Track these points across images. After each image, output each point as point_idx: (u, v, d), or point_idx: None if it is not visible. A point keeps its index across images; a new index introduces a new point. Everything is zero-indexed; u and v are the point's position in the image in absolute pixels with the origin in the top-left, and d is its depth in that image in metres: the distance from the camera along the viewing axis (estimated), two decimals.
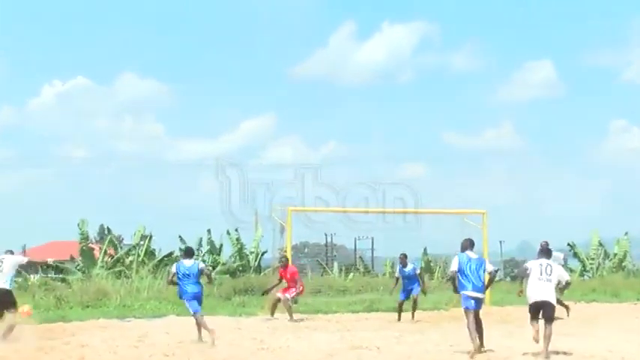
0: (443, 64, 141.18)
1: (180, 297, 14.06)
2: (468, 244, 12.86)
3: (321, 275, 34.56)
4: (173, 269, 14.16)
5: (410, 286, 18.73)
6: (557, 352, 12.05)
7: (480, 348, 12.16)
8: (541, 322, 11.76)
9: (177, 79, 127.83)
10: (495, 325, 16.65)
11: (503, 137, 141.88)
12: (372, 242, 54.37)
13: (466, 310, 12.35)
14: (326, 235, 56.31)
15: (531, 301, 11.97)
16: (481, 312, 12.57)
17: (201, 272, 13.92)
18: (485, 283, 12.61)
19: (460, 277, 12.44)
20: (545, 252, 12.76)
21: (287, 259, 19.73)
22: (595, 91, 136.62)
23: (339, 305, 21.79)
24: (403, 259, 19.04)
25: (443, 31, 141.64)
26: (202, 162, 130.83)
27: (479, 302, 12.51)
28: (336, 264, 38.99)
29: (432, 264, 35.23)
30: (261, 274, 29.68)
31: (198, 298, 13.91)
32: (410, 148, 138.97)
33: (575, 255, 35.09)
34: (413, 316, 18.55)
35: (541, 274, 12.00)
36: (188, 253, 14.64)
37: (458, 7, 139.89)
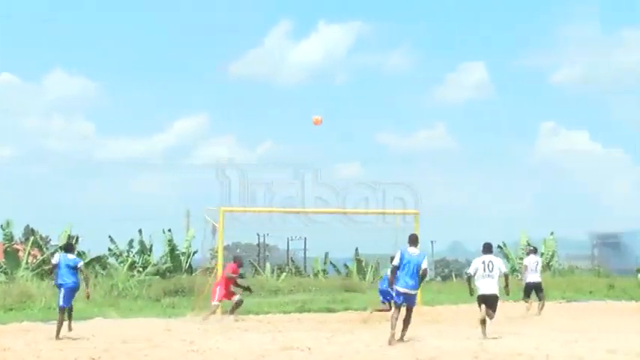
0: (378, 64, 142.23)
1: (58, 286, 14.56)
2: (409, 240, 13.76)
3: (253, 276, 34.35)
4: (55, 260, 14.76)
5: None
6: (485, 351, 12.16)
7: (394, 337, 13.12)
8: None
9: (109, 76, 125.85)
10: (426, 325, 16.76)
11: (436, 138, 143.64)
12: (305, 242, 54.39)
13: (394, 303, 13.65)
14: (258, 235, 56.07)
15: (479, 293, 13.99)
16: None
17: (78, 268, 14.64)
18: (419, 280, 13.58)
19: (397, 273, 13.51)
20: (487, 248, 14.46)
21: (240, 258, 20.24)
22: (526, 93, 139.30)
23: (271, 306, 21.68)
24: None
25: (378, 32, 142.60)
26: (134, 161, 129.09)
27: (408, 298, 13.46)
28: (268, 264, 38.84)
29: (363, 264, 35.35)
30: (192, 274, 29.31)
31: (74, 291, 14.57)
32: (345, 149, 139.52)
33: (505, 255, 35.67)
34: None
35: (484, 271, 14.01)
36: (68, 248, 15.59)
37: (393, 7, 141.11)
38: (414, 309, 13.99)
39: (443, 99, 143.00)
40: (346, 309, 21.26)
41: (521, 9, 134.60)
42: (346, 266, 36.34)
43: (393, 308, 13.56)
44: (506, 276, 14.35)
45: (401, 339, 13.40)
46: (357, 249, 35.85)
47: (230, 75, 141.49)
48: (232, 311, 18.65)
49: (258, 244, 56.43)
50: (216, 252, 21.46)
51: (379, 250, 35.27)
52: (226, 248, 31.89)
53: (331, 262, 37.37)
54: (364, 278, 33.71)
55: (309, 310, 20.87)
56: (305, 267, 44.76)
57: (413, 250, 13.63)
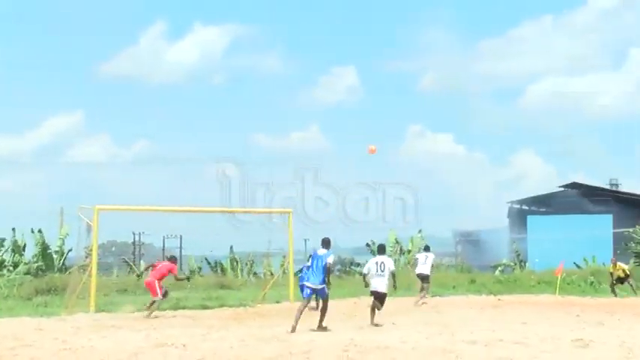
0: (253, 66, 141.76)
1: None
2: (322, 243, 15.27)
3: (128, 274, 33.69)
4: None
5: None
6: (356, 344, 12.43)
7: (294, 328, 14.44)
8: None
9: None
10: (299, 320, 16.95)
11: (309, 140, 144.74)
12: (181, 240, 53.86)
13: (304, 297, 15.30)
14: (134, 233, 55.10)
15: (371, 289, 16.13)
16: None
17: None
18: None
19: (306, 270, 15.81)
20: (381, 249, 16.81)
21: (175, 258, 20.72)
22: (394, 97, 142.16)
23: (145, 303, 21.30)
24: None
25: (253, 34, 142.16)
26: (5, 159, 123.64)
27: (314, 291, 15.03)
28: (142, 262, 38.18)
29: (237, 262, 35.32)
30: (66, 273, 28.44)
31: None
32: (220, 149, 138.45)
33: (373, 253, 36.45)
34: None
35: (377, 270, 15.98)
36: None
37: (269, 10, 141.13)
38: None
39: (316, 101, 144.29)
40: (221, 306, 21.19)
41: (389, 15, 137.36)
42: (221, 264, 36.21)
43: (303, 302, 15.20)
44: (393, 275, 16.27)
45: (319, 327, 14.89)
46: (231, 247, 35.82)
47: (105, 73, 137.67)
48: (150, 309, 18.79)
49: (134, 243, 55.42)
50: (91, 250, 20.94)
51: (254, 248, 35.41)
52: (101, 247, 31.15)
53: (207, 260, 37.15)
54: (239, 276, 33.70)
55: (183, 308, 20.67)
56: (181, 265, 44.26)
57: (321, 251, 15.08)
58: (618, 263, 25.96)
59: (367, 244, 36.67)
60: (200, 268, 35.87)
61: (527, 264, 39.26)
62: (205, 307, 20.71)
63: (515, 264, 38.95)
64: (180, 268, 40.40)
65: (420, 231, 37.54)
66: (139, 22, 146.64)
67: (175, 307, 20.67)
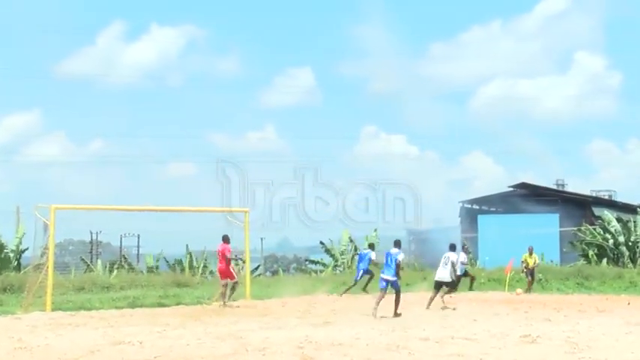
0: (209, 67, 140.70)
1: None
2: (394, 243, 18.14)
3: (85, 272, 33.22)
4: None
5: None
6: (311, 341, 12.45)
7: (375, 314, 17.16)
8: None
9: None
10: (255, 318, 16.94)
11: (265, 140, 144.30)
12: (138, 239, 53.30)
13: (380, 288, 17.87)
14: (91, 232, 54.35)
15: (436, 279, 20.06)
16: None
17: None
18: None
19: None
20: (395, 244, 18.22)
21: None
22: (349, 98, 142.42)
23: (102, 302, 21.06)
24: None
25: (210, 36, 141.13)
26: None
27: (388, 282, 17.60)
28: (99, 261, 37.71)
29: (193, 260, 35.08)
30: (22, 272, 27.93)
31: None
32: (177, 149, 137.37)
33: (327, 251, 36.57)
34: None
35: (443, 264, 19.87)
36: None
37: (225, 12, 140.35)
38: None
39: (272, 102, 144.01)
40: (178, 303, 21.03)
41: (343, 17, 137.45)
42: (179, 262, 35.93)
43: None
44: (453, 264, 19.88)
45: (395, 314, 17.41)
46: (187, 245, 35.57)
47: (62, 72, 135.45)
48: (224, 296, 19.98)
49: (91, 242, 54.74)
50: (47, 249, 20.59)
51: (210, 246, 35.18)
52: (58, 245, 30.71)
53: (164, 259, 36.83)
54: (195, 274, 33.46)
55: (140, 306, 20.46)
56: (138, 263, 43.82)
57: (393, 250, 17.82)
58: (534, 253, 26.34)
59: (321, 242, 36.75)
60: (157, 267, 35.54)
61: (477, 262, 39.63)
62: (162, 305, 20.53)
63: (466, 263, 39.33)
64: (138, 266, 40.08)
65: (375, 230, 37.65)
66: (96, 22, 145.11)
67: (133, 305, 20.46)
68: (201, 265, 34.96)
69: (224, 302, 20.00)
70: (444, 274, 19.90)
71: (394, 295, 17.65)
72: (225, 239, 20.81)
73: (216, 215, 23.56)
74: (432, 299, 19.79)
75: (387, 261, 17.78)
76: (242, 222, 22.67)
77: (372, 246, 24.64)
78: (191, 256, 35.30)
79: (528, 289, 25.62)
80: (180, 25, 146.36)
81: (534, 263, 26.03)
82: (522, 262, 26.22)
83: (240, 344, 12.29)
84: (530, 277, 25.95)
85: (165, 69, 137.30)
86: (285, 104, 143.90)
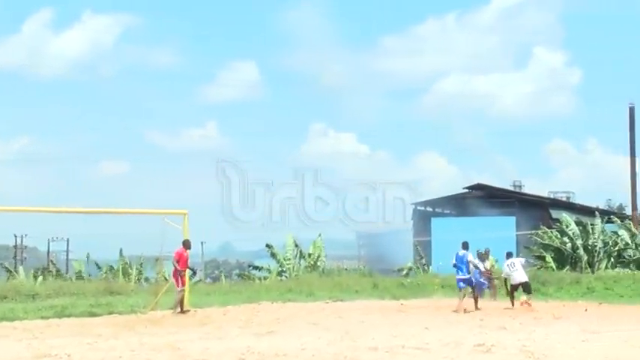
0: (147, 59, 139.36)
1: None
2: (462, 245, 21.26)
3: (7, 280, 32.61)
4: None
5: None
6: (253, 352, 12.45)
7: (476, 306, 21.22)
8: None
9: None
10: (194, 327, 16.86)
11: (207, 137, 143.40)
12: (68, 244, 52.60)
13: (459, 288, 21.23)
14: (15, 236, 53.46)
15: (515, 283, 22.00)
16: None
17: None
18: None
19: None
20: (464, 245, 21.26)
21: None
22: (296, 93, 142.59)
23: (27, 311, 20.72)
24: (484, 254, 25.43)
25: (148, 25, 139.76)
26: None
27: (465, 281, 21.10)
28: (21, 267, 37.10)
29: (128, 265, 34.75)
30: None
31: None
32: (111, 146, 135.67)
33: (273, 255, 36.58)
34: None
35: (511, 270, 21.95)
36: None
37: (164, 0, 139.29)
38: None
39: (214, 97, 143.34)
40: (110, 313, 20.80)
41: (290, 8, 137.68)
42: (111, 268, 35.56)
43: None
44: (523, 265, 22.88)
45: (476, 308, 21.11)
46: (121, 250, 35.22)
47: None
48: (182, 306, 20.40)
49: (15, 246, 53.79)
50: None
51: (145, 250, 34.92)
52: None
53: (96, 264, 36.42)
54: (129, 280, 33.15)
55: (69, 315, 20.17)
56: (67, 269, 43.25)
57: (462, 252, 21.06)
58: (491, 257, 26.58)
59: (267, 246, 36.75)
60: (89, 274, 35.13)
61: (430, 267, 40.05)
62: (93, 315, 20.29)
63: (419, 267, 39.70)
64: (67, 272, 39.56)
65: (319, 235, 37.79)
66: (21, 8, 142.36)
67: (60, 315, 20.17)
68: (136, 271, 34.64)
69: (178, 309, 20.30)
70: (521, 275, 22.10)
71: (472, 293, 21.54)
72: (185, 244, 21.09)
73: (153, 218, 23.37)
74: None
75: (458, 262, 21.04)
76: (181, 225, 22.52)
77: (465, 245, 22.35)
78: (125, 262, 34.96)
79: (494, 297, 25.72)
80: (114, 12, 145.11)
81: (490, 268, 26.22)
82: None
83: (177, 356, 12.24)
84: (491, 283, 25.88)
85: (99, 60, 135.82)
86: (228, 99, 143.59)
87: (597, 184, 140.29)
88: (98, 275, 34.92)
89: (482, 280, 23.94)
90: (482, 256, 24.37)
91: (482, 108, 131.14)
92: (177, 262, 20.65)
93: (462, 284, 21.04)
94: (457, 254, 21.16)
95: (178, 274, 20.59)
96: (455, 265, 21.24)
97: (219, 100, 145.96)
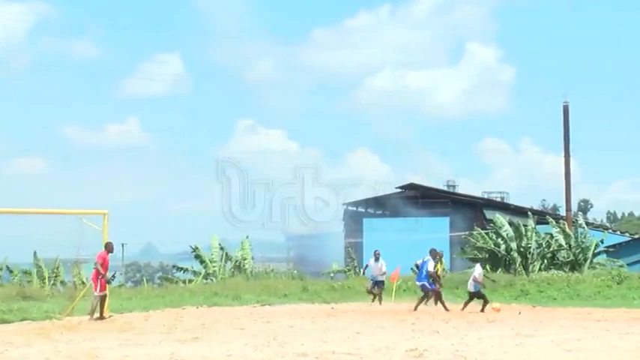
0: (63, 51, 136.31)
1: None
2: (430, 252, 23.46)
3: None
4: None
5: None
6: (176, 359, 12.33)
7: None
8: None
9: None
10: (113, 334, 16.60)
11: (127, 134, 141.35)
12: None
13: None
14: None
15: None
16: None
17: None
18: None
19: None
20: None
21: None
22: (223, 88, 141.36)
23: None
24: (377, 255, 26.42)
25: (63, 14, 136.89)
26: None
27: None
28: None
29: (43, 268, 33.99)
30: None
31: None
32: (25, 143, 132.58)
33: (198, 257, 36.31)
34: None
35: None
36: None
37: None
38: None
39: (135, 91, 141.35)
40: (23, 319, 20.33)
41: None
42: (26, 272, 34.74)
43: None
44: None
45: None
46: (35, 252, 34.44)
47: None
48: (101, 311, 20.01)
49: None
50: None
51: (61, 253, 34.21)
52: None
53: (7, 267, 35.54)
54: (44, 284, 32.46)
55: None
56: None
57: (427, 258, 23.17)
58: (443, 259, 26.84)
59: (191, 247, 36.49)
60: (0, 278, 34.26)
61: (361, 271, 40.25)
62: (4, 322, 19.78)
63: (350, 270, 39.84)
64: None
65: (247, 236, 37.65)
66: None
67: None
68: (50, 275, 33.91)
69: (97, 315, 20.03)
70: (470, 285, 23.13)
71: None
72: (107, 247, 20.82)
73: (70, 218, 22.93)
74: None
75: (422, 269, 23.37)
76: (100, 226, 22.14)
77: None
78: (39, 265, 34.21)
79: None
80: (28, 1, 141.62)
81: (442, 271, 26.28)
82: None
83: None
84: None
85: (11, 51, 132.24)
86: (151, 94, 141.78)
87: (531, 183, 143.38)
88: (9, 279, 34.08)
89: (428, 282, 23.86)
90: (436, 257, 24.03)
91: (415, 104, 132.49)
92: (102, 266, 20.22)
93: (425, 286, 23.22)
94: (423, 260, 23.39)
95: (99, 278, 20.22)
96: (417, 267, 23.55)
97: (141, 94, 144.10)
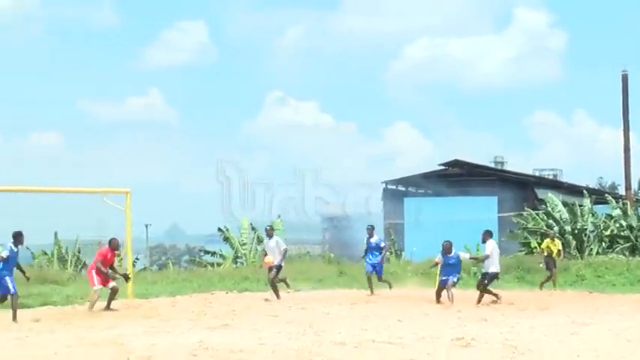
0: (78, 18, 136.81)
1: None
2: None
3: None
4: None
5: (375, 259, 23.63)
6: (206, 347, 12.43)
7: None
8: None
9: None
10: (139, 320, 16.78)
11: (149, 107, 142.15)
12: None
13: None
14: None
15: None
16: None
17: None
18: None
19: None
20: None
21: None
22: (252, 58, 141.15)
23: None
24: (370, 230, 23.87)
25: None
26: None
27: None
28: None
29: (64, 251, 34.37)
30: None
31: None
32: (40, 116, 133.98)
33: (226, 239, 36.41)
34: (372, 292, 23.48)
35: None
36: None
37: None
38: None
39: (157, 62, 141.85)
40: (44, 304, 20.64)
41: None
42: (45, 253, 35.16)
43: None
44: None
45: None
46: (56, 233, 34.79)
47: None
48: (109, 303, 19.26)
49: None
50: None
51: (82, 234, 34.53)
52: None
53: (28, 248, 36.01)
54: (65, 267, 32.86)
55: None
56: None
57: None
58: (556, 239, 26.56)
59: (219, 229, 36.62)
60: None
61: (403, 253, 40.21)
62: (25, 306, 20.08)
63: (391, 253, 39.79)
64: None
65: (279, 216, 37.68)
66: None
67: None
68: (74, 257, 34.29)
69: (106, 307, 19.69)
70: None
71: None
72: (111, 244, 20.18)
73: (91, 197, 23.14)
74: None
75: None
76: (122, 205, 22.34)
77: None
78: (60, 247, 34.59)
79: (553, 284, 25.49)
80: None
81: (559, 251, 25.94)
82: (543, 249, 26.32)
83: (119, 352, 12.17)
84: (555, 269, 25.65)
85: (24, 19, 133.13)
86: (174, 64, 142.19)
87: (587, 159, 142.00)
88: (30, 262, 34.52)
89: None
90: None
91: (457, 75, 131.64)
92: (102, 263, 19.72)
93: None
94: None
95: (97, 272, 19.72)
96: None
97: (163, 64, 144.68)
